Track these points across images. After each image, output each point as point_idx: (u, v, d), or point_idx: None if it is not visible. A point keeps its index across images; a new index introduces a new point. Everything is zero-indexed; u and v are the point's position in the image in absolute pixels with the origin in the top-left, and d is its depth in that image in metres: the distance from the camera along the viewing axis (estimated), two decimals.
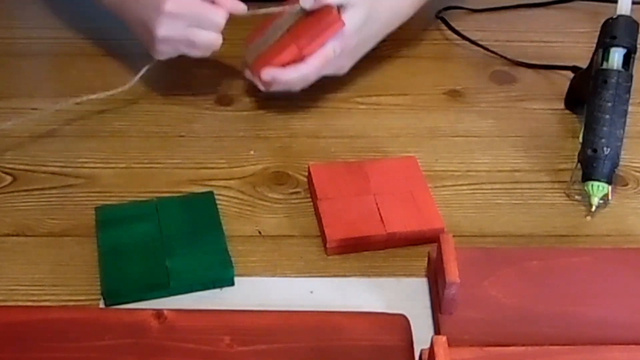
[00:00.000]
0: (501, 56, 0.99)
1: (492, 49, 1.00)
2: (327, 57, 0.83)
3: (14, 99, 0.89)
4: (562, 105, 0.92)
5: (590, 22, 1.06)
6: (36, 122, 0.85)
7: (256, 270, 0.71)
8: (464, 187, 0.81)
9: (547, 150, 0.86)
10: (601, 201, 0.78)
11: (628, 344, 0.62)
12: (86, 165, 0.81)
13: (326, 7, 0.82)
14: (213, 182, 0.80)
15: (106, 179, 0.80)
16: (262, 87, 0.85)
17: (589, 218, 0.78)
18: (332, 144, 0.85)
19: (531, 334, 0.64)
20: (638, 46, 0.84)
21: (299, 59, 0.82)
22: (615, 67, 0.82)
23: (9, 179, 0.80)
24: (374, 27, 0.87)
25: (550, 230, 0.76)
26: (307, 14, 0.82)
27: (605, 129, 0.79)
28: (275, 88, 0.84)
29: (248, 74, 0.86)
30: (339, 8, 0.82)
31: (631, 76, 0.82)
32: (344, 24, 0.81)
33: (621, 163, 0.83)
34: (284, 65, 0.82)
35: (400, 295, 0.70)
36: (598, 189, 0.77)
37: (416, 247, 0.73)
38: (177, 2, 0.80)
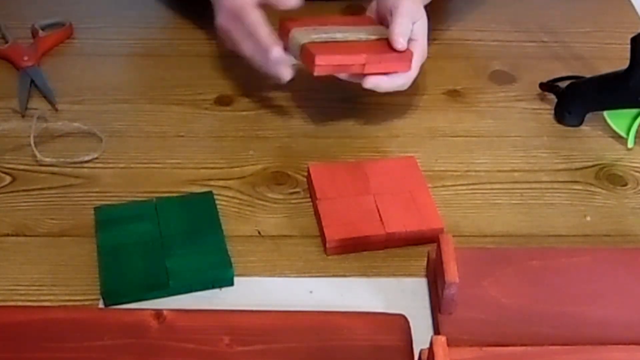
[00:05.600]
0: (501, 56, 0.99)
1: (492, 49, 1.00)
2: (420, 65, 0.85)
3: (14, 99, 0.89)
4: None
5: (590, 22, 1.06)
6: (37, 121, 0.85)
7: (256, 270, 0.71)
8: (464, 187, 0.81)
9: (546, 150, 0.86)
10: None
11: (628, 344, 0.62)
12: (85, 165, 0.81)
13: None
14: (212, 182, 0.80)
15: (105, 179, 0.80)
16: (315, 71, 0.80)
17: (588, 218, 0.78)
18: (331, 144, 0.85)
19: (531, 334, 0.64)
20: None
21: (358, 69, 0.80)
22: None
23: (8, 179, 0.80)
24: None
25: (549, 230, 0.76)
26: (379, 40, 0.83)
27: None
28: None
29: (293, 53, 0.82)
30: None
31: None
32: (410, 68, 0.82)
33: (620, 163, 0.83)
34: (342, 64, 0.80)
35: (400, 295, 0.70)
36: None
37: (416, 247, 0.73)
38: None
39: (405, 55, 0.81)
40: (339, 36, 0.82)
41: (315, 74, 0.79)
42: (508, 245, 0.75)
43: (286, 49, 0.83)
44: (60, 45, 0.98)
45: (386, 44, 0.82)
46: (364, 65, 0.80)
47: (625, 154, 0.85)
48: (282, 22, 0.85)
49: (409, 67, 0.82)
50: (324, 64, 0.79)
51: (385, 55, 0.81)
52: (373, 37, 0.83)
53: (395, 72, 0.82)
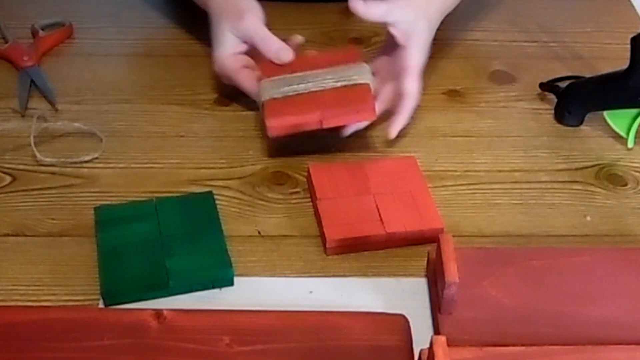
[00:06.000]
0: (501, 56, 0.99)
1: (492, 49, 1.00)
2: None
3: (14, 99, 0.89)
4: None
5: (590, 22, 1.06)
6: (36, 121, 0.85)
7: (255, 270, 0.71)
8: (464, 187, 0.81)
9: (546, 150, 0.86)
10: None
11: (628, 344, 0.62)
12: (86, 165, 0.81)
13: (365, 90, 0.80)
14: (212, 182, 0.80)
15: (105, 179, 0.80)
16: (269, 133, 0.80)
17: (588, 218, 0.78)
18: (331, 144, 0.85)
19: (531, 334, 0.64)
20: None
21: (316, 125, 0.79)
22: None
23: (8, 179, 0.80)
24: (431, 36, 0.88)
25: (549, 230, 0.76)
26: (343, 88, 0.80)
27: None
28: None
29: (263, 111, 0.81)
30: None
31: None
32: (375, 115, 0.80)
33: (620, 163, 0.83)
34: (297, 123, 0.79)
35: (400, 295, 0.70)
36: None
37: (416, 247, 0.73)
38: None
39: (366, 105, 0.79)
40: (301, 87, 0.80)
41: (270, 136, 0.79)
42: (508, 245, 0.75)
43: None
44: (60, 45, 0.98)
45: (352, 91, 0.79)
46: (320, 121, 0.79)
47: (625, 154, 0.85)
48: (260, 66, 0.83)
49: (373, 115, 0.80)
50: (276, 126, 0.78)
51: (343, 109, 0.79)
52: (340, 83, 0.80)
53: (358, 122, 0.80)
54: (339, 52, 0.86)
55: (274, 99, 0.79)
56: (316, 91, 0.80)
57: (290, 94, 0.80)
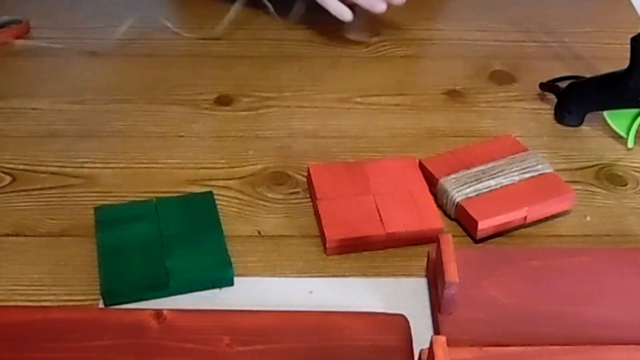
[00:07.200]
0: (501, 56, 0.99)
1: (492, 49, 1.00)
2: None
3: (14, 99, 0.89)
4: None
5: (590, 22, 1.06)
6: (36, 121, 0.85)
7: (255, 270, 0.71)
8: None
9: (546, 150, 0.86)
10: None
11: (628, 344, 0.62)
12: (86, 165, 0.81)
13: (556, 179, 0.77)
14: (212, 182, 0.80)
15: (105, 179, 0.80)
16: (479, 235, 0.74)
17: (588, 218, 0.78)
18: (331, 144, 0.85)
19: (531, 334, 0.64)
20: None
21: (519, 222, 0.75)
22: None
23: (8, 179, 0.80)
24: None
25: (550, 230, 0.76)
26: (533, 180, 0.77)
27: None
28: None
29: None
30: None
31: None
32: (571, 206, 0.77)
33: (620, 163, 0.83)
34: (504, 222, 0.74)
35: (400, 295, 0.70)
36: None
37: (415, 247, 0.73)
38: None
39: (567, 194, 0.77)
40: (492, 184, 0.77)
41: (478, 238, 0.74)
42: (508, 245, 0.75)
43: (436, 196, 0.78)
44: (61, 43, 0.98)
45: (545, 182, 0.77)
46: (524, 217, 0.75)
47: (625, 154, 0.85)
48: (423, 167, 0.80)
49: (572, 203, 0.77)
50: (486, 227, 0.74)
51: (547, 202, 0.76)
52: (527, 175, 0.78)
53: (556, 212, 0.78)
54: (495, 142, 0.83)
55: (469, 198, 0.75)
56: (508, 185, 0.77)
57: (484, 191, 0.76)
